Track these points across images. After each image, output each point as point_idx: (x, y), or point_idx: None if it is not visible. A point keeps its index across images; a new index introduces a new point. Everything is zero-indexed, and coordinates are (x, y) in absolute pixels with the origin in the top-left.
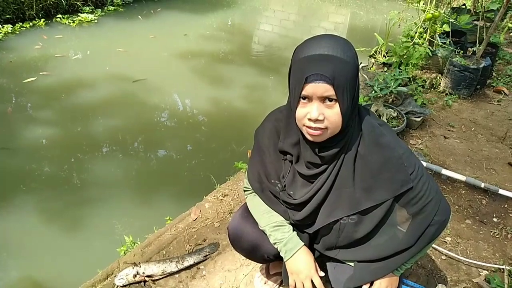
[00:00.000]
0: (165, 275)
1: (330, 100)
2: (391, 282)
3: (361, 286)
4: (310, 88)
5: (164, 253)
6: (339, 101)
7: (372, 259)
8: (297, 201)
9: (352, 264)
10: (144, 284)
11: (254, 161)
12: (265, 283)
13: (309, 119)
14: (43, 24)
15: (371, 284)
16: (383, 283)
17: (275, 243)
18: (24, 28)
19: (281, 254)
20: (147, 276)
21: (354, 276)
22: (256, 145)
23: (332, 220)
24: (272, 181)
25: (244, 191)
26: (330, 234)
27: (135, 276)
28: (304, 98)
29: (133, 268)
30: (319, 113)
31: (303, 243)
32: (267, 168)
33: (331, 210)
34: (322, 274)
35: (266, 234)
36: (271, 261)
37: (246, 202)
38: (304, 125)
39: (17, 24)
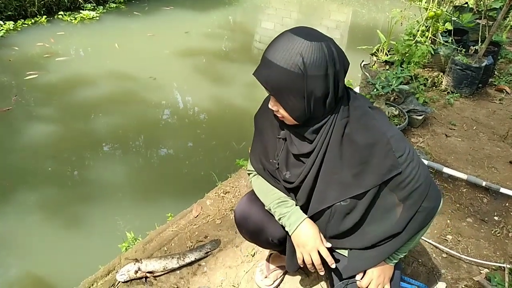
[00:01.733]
0: (166, 271)
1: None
2: (384, 270)
3: (355, 275)
4: None
5: (166, 249)
6: (280, 103)
7: (364, 246)
8: (290, 185)
9: (345, 253)
10: (146, 280)
11: (255, 144)
12: (265, 277)
13: None
14: (45, 21)
15: (365, 273)
16: (376, 271)
17: (279, 219)
18: (26, 25)
19: (286, 228)
20: (148, 272)
21: (348, 266)
22: (255, 127)
23: (324, 207)
24: (271, 160)
25: (248, 174)
26: (323, 218)
27: (136, 272)
28: None
29: (134, 264)
30: (272, 106)
31: (306, 216)
32: (266, 148)
33: (322, 197)
34: (328, 245)
35: (271, 216)
36: (275, 246)
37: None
38: None
39: (19, 21)
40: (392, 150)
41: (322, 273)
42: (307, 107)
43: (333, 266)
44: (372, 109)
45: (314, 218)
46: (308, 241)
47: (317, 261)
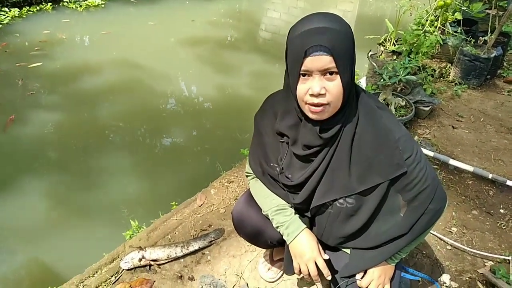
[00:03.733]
0: (170, 260)
1: (331, 73)
2: (385, 270)
3: (356, 274)
4: (310, 62)
5: (170, 238)
6: (340, 73)
7: (369, 247)
8: (294, 182)
9: (348, 251)
10: (150, 268)
11: (254, 145)
12: (269, 269)
13: (311, 95)
14: (50, 8)
15: (365, 272)
16: (376, 271)
17: (277, 227)
18: (31, 12)
19: (284, 237)
20: (152, 260)
21: (349, 264)
22: (255, 129)
23: (326, 201)
24: (271, 164)
25: (247, 176)
26: (328, 220)
27: (140, 260)
28: (304, 74)
29: (138, 252)
30: (321, 87)
31: (305, 226)
32: (266, 151)
33: (325, 191)
34: (326, 257)
35: (269, 219)
36: (274, 247)
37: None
38: (306, 103)
39: (24, 8)
40: (399, 149)
41: (318, 283)
42: (351, 80)
43: (329, 278)
44: (380, 108)
45: (317, 219)
46: (306, 251)
47: (314, 272)
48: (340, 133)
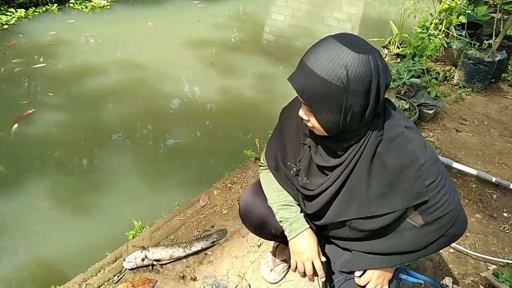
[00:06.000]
0: (173, 260)
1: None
2: (385, 272)
3: (354, 271)
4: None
5: (172, 238)
6: (313, 113)
7: (376, 253)
8: (308, 192)
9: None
10: (152, 268)
11: (274, 139)
12: (271, 270)
13: None
14: (56, 9)
15: (365, 270)
16: (376, 272)
17: (281, 221)
18: (37, 13)
19: (286, 233)
20: (155, 260)
21: (350, 261)
22: (279, 123)
23: (340, 220)
24: (288, 163)
25: (260, 165)
26: (340, 229)
27: (143, 259)
28: None
29: (141, 251)
30: (303, 114)
31: (308, 226)
32: (286, 149)
33: (341, 210)
34: (323, 259)
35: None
36: (279, 238)
37: (258, 180)
38: None
39: (30, 9)
40: (422, 177)
41: (312, 283)
42: (342, 121)
43: (323, 279)
44: (408, 129)
45: (329, 227)
46: (306, 251)
47: (310, 272)
48: (356, 149)
